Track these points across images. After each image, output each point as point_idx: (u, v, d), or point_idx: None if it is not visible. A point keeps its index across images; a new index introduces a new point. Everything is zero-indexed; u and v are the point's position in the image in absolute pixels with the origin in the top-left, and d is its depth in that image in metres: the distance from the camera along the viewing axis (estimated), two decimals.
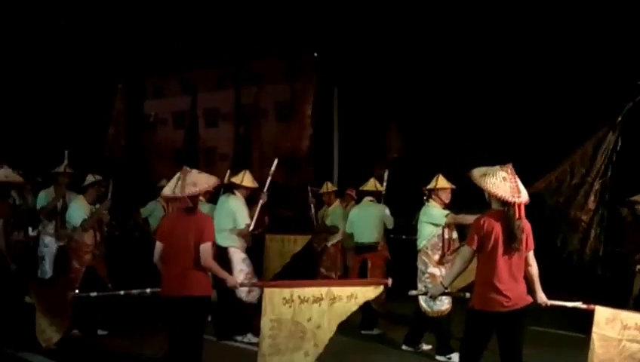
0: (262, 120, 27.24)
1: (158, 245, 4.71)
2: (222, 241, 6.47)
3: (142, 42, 17.38)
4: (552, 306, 4.40)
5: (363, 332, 7.17)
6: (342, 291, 4.76)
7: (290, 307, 4.65)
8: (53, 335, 5.94)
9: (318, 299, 4.69)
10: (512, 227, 4.08)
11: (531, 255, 4.26)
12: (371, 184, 7.62)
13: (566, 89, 14.09)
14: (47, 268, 7.39)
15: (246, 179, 6.80)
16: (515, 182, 4.13)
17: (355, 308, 4.81)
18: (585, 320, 4.45)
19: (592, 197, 6.43)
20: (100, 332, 6.78)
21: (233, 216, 6.62)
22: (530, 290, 4.27)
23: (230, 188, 6.90)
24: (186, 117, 28.99)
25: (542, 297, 4.32)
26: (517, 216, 4.09)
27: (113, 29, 16.25)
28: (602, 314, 4.31)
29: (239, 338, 6.61)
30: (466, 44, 15.60)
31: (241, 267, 6.60)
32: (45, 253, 7.37)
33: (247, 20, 20.36)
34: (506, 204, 4.09)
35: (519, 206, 4.09)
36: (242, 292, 6.50)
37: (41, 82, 15.98)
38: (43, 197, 7.49)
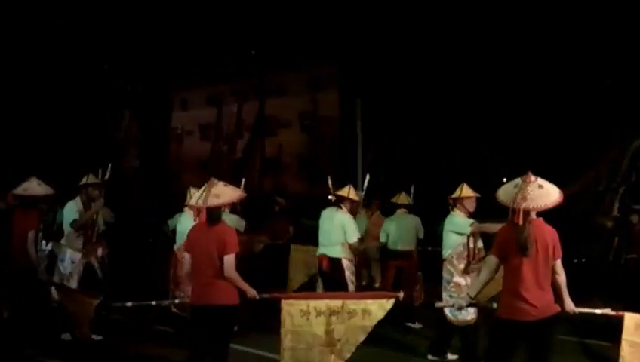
0: (285, 130, 27.49)
1: (187, 256, 4.80)
2: (335, 253, 6.84)
3: (167, 57, 17.55)
4: (581, 314, 4.34)
5: (406, 324, 7.65)
6: (356, 304, 4.80)
7: (307, 319, 4.73)
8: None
9: (334, 312, 4.74)
10: (516, 233, 4.05)
11: (559, 263, 4.20)
12: (403, 197, 8.25)
13: (565, 90, 14.01)
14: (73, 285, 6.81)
15: (352, 192, 7.02)
16: (526, 189, 4.05)
17: (374, 322, 4.80)
18: (610, 329, 4.39)
19: (616, 204, 6.36)
20: (94, 337, 6.49)
21: (344, 229, 6.83)
22: (558, 299, 4.22)
23: (336, 202, 7.05)
24: (211, 128, 29.35)
25: (570, 305, 4.27)
26: (515, 220, 4.01)
27: (119, 33, 16.26)
28: (632, 320, 4.27)
29: None
30: (472, 47, 15.67)
31: (352, 278, 6.89)
32: (73, 270, 6.82)
33: (271, 33, 20.56)
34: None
35: (518, 211, 3.99)
36: None
37: (41, 82, 15.89)
38: (73, 209, 6.90)
